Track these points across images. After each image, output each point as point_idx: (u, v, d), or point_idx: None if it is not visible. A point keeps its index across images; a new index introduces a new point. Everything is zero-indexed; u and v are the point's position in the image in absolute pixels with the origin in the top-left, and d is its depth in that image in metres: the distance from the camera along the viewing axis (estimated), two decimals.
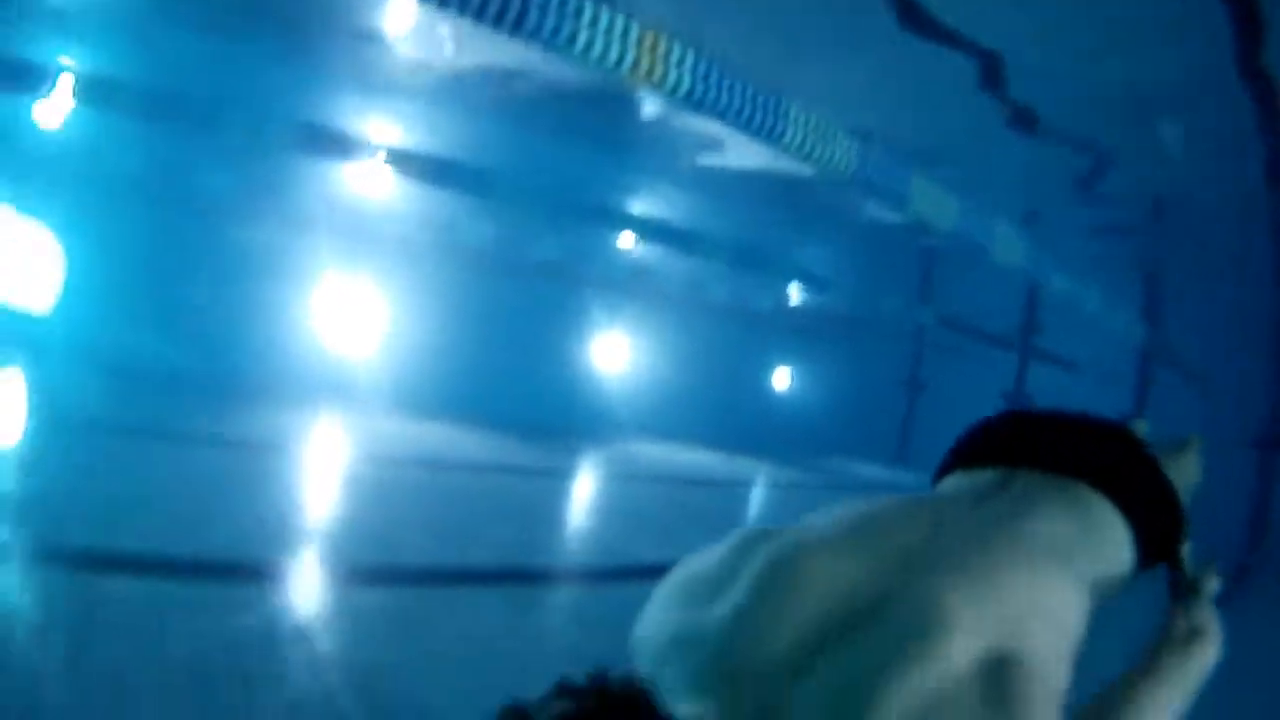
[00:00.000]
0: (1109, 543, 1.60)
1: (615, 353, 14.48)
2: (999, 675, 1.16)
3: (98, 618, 3.94)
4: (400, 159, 11.53)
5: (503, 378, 11.67)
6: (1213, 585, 1.59)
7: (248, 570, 4.89)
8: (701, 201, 14.32)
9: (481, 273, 12.74)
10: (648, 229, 14.87)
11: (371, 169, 11.51)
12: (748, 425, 14.68)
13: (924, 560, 1.33)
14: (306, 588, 5.02)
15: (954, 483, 1.77)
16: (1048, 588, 1.35)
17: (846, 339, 17.03)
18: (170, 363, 10.10)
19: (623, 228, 14.95)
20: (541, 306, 13.25)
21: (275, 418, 10.00)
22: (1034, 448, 1.71)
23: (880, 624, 1.22)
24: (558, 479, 9.93)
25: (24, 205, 10.74)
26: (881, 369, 17.30)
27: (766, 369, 17.20)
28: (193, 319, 10.49)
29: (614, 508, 9.19)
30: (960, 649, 1.17)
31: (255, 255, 11.10)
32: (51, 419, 8.43)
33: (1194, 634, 1.44)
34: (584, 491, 9.83)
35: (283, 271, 11.31)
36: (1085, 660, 1.41)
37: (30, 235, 10.72)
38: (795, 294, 17.21)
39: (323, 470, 8.61)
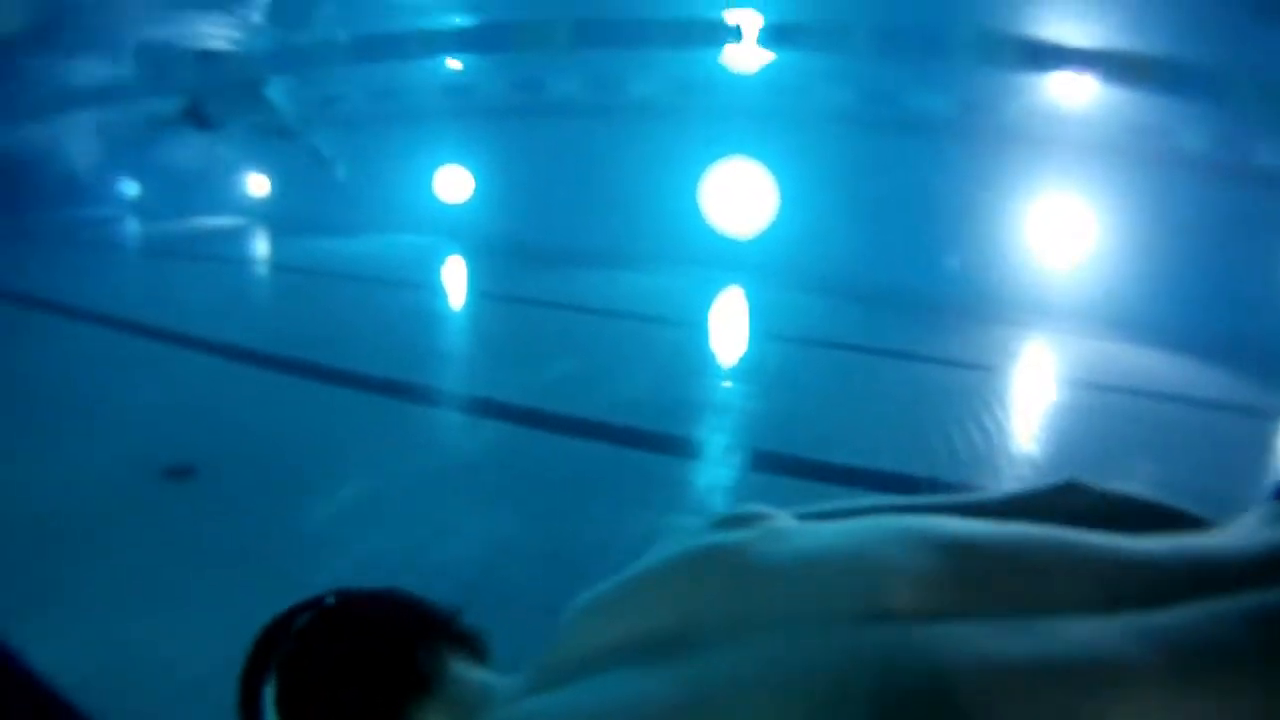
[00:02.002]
0: None
1: None
2: None
3: None
4: (1105, 62, 10.74)
5: (1217, 297, 10.49)
6: None
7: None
8: None
9: (1195, 180, 11.54)
10: None
11: (1073, 77, 10.91)
12: None
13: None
14: None
15: (1239, 528, 0.87)
16: None
17: None
18: (881, 280, 10.75)
19: None
20: (1264, 217, 11.62)
21: (979, 335, 10.11)
22: None
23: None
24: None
25: (732, 144, 12.08)
26: None
27: None
28: (901, 237, 10.98)
29: None
30: None
31: (958, 171, 11.23)
32: (768, 334, 9.50)
33: None
34: None
35: (985, 186, 11.30)
36: None
37: (739, 169, 12.05)
38: None
39: (1025, 392, 8.52)
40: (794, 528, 0.95)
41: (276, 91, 10.84)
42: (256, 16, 10.53)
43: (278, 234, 14.90)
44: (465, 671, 1.02)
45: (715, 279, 11.56)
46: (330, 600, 1.06)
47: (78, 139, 16.99)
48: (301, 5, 10.22)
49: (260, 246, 14.49)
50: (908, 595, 0.79)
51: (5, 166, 17.74)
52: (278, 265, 13.00)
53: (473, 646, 1.08)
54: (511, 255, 12.22)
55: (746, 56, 11.61)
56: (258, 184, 16.77)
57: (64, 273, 11.43)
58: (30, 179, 17.98)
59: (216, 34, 11.19)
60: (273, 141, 12.97)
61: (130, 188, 19.58)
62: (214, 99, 10.72)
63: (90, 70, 13.60)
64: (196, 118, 10.71)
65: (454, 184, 13.52)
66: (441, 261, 12.45)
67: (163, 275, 11.73)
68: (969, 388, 7.78)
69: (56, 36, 10.82)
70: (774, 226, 12.15)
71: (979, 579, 0.80)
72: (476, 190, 13.41)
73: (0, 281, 10.06)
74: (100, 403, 5.71)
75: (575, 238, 11.99)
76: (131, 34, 11.52)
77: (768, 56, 11.52)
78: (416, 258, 12.42)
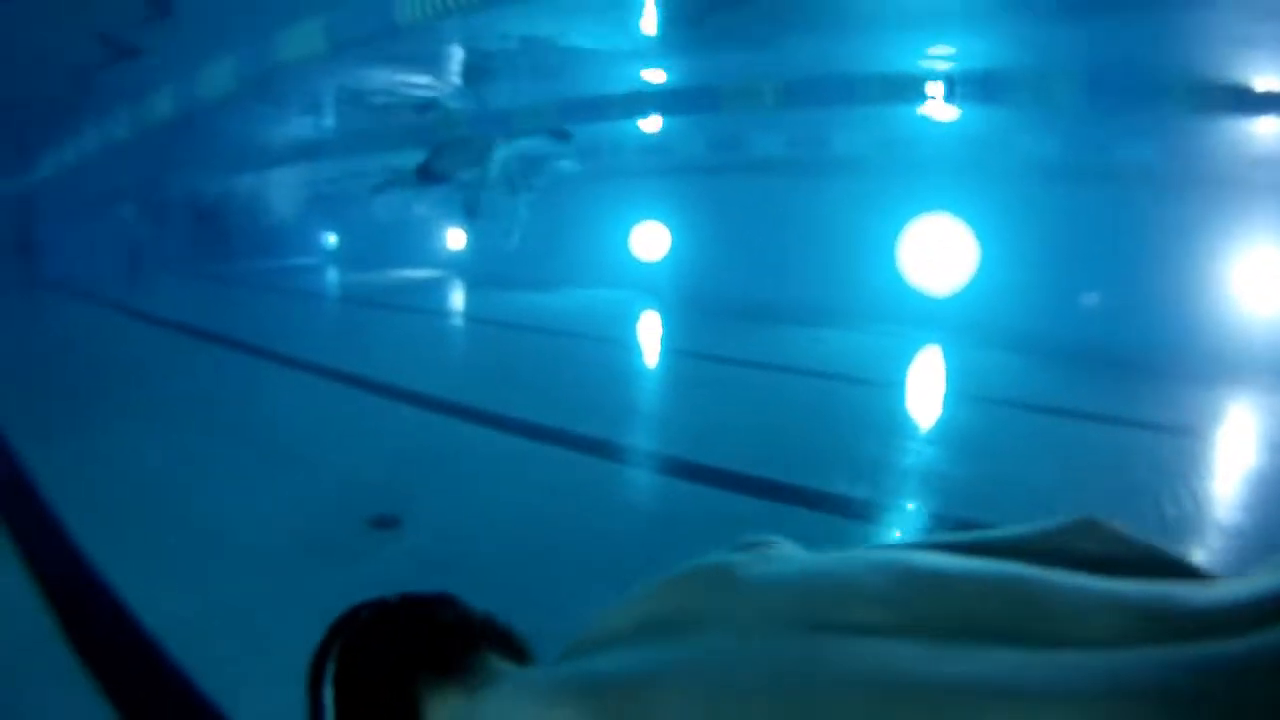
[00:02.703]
0: None
1: None
2: None
3: None
4: None
5: None
6: None
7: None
8: None
9: None
10: None
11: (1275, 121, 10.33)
12: None
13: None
14: None
15: (1246, 581, 0.83)
16: None
17: None
18: (1083, 338, 10.40)
19: None
20: None
21: (1185, 395, 9.60)
22: None
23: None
24: None
25: (931, 199, 11.89)
26: None
27: None
28: (1103, 292, 10.59)
29: None
30: None
31: (1161, 223, 10.74)
32: (966, 395, 9.23)
33: None
34: None
35: (1190, 237, 10.77)
36: None
37: (938, 225, 11.85)
38: None
39: (1237, 458, 7.97)
40: (786, 554, 1.09)
41: (505, 150, 11.26)
42: (454, 77, 11.00)
43: (474, 287, 15.48)
44: (495, 663, 1.17)
45: (913, 338, 11.34)
46: (393, 599, 1.24)
47: (281, 192, 18.17)
48: (495, 66, 10.60)
49: (457, 299, 15.07)
50: (848, 613, 0.87)
51: (214, 217, 19.18)
52: (475, 318, 13.48)
53: (512, 646, 1.23)
54: (707, 312, 12.32)
55: (948, 110, 11.44)
56: (455, 238, 17.50)
57: (269, 319, 12.15)
58: (237, 229, 19.35)
59: (421, 93, 11.77)
60: (475, 196, 13.47)
61: (331, 239, 20.78)
62: (443, 155, 11.22)
63: (294, 127, 14.48)
64: (429, 174, 11.24)
65: (650, 240, 13.77)
66: (637, 317, 12.65)
67: (363, 324, 12.33)
68: (1177, 454, 7.40)
69: (264, 94, 11.53)
70: (973, 283, 11.90)
71: (926, 606, 0.85)
72: (673, 247, 13.62)
73: (210, 325, 10.77)
74: (308, 447, 6.01)
75: (771, 294, 12.01)
76: (337, 92, 12.20)
77: (969, 109, 11.33)
78: (613, 313, 12.66)
